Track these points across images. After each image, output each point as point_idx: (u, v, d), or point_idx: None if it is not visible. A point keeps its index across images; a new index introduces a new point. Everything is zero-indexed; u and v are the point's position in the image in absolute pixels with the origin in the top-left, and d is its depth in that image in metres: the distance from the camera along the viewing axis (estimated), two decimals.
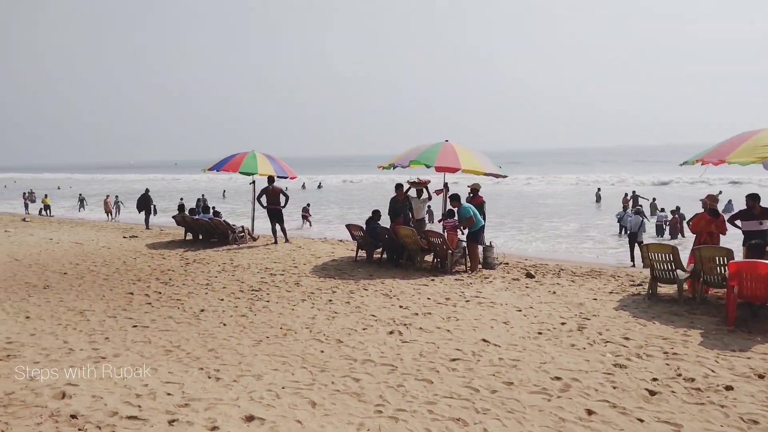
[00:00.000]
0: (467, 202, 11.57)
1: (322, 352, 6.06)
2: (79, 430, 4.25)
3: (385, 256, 11.77)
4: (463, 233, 11.07)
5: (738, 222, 8.77)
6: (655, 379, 5.08)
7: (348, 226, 12.84)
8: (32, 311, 7.92)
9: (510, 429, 4.25)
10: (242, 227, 15.19)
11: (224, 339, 6.54)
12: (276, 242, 14.55)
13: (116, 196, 33.35)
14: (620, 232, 19.74)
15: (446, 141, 11.48)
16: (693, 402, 4.62)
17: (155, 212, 26.31)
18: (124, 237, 16.78)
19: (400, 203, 12.02)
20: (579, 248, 17.73)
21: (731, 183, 40.97)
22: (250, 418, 4.45)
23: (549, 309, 7.69)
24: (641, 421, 4.31)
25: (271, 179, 14.57)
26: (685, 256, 8.36)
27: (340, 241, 16.30)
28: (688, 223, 11.26)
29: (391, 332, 6.72)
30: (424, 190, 12.48)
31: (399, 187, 12.24)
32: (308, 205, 27.01)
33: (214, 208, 18.37)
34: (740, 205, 9.72)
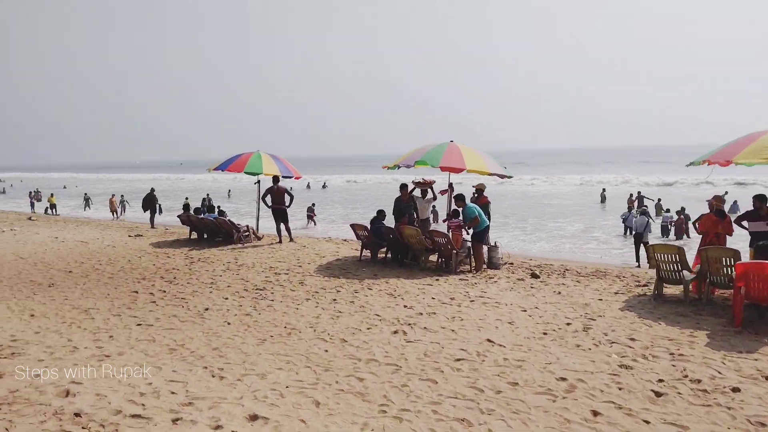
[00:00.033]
0: (472, 202, 11.54)
1: (326, 351, 6.04)
2: (83, 428, 4.24)
3: (389, 255, 11.76)
4: (468, 233, 11.04)
5: (745, 223, 8.72)
6: (661, 381, 5.05)
7: (352, 226, 12.83)
8: (37, 309, 7.93)
9: (515, 430, 4.23)
10: (247, 227, 15.20)
11: (228, 338, 6.54)
12: (280, 241, 14.56)
13: (122, 196, 33.47)
14: (625, 233, 19.66)
15: (451, 141, 11.46)
16: (699, 404, 4.58)
17: (160, 211, 26.38)
18: (129, 236, 16.82)
19: (405, 203, 12.00)
20: (583, 249, 17.67)
21: (736, 184, 40.79)
22: (254, 417, 4.43)
23: (554, 309, 7.66)
24: (647, 422, 4.28)
25: (275, 179, 14.58)
26: (690, 257, 8.31)
27: (345, 240, 16.30)
28: (694, 224, 11.20)
29: (396, 332, 6.70)
30: (429, 190, 12.45)
31: (404, 187, 12.22)
32: (313, 204, 27.02)
33: (219, 207, 18.41)
34: (746, 205, 9.67)
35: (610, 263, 13.81)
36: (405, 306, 7.94)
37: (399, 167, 11.62)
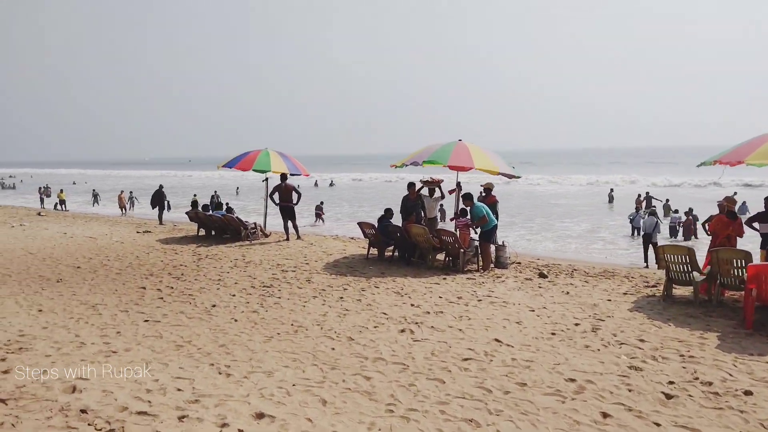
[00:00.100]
0: (480, 201, 11.48)
1: (333, 349, 6.02)
2: (89, 425, 4.23)
3: (396, 254, 11.73)
4: (475, 232, 11.00)
5: (756, 224, 8.64)
6: (671, 383, 4.99)
7: (360, 224, 12.80)
8: (45, 304, 7.95)
9: (523, 431, 4.18)
10: (254, 224, 15.22)
11: (235, 335, 6.53)
12: (288, 239, 14.56)
13: (130, 192, 33.61)
14: (632, 234, 19.54)
15: (459, 140, 11.40)
16: (711, 406, 4.52)
17: (169, 208, 26.48)
18: (138, 232, 16.87)
19: (412, 202, 11.97)
20: (589, 249, 17.56)
21: (745, 185, 40.49)
22: (260, 416, 4.41)
23: (562, 309, 7.60)
24: (658, 425, 4.23)
25: (283, 176, 14.58)
26: (699, 258, 8.24)
27: (352, 238, 16.28)
28: (704, 225, 11.10)
29: (403, 330, 6.67)
30: (437, 189, 12.41)
31: (411, 185, 12.19)
32: (321, 203, 27.01)
33: (227, 204, 18.44)
34: (755, 207, 9.59)
35: (619, 263, 13.73)
36: (412, 305, 7.91)
37: (407, 165, 11.58)
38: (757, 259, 7.76)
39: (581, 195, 39.91)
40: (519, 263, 11.40)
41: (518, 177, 12.01)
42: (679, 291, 8.45)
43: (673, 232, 19.84)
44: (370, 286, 9.11)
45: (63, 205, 33.11)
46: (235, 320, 7.16)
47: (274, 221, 16.33)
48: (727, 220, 8.46)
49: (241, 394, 4.82)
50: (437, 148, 11.31)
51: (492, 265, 10.78)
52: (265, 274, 10.12)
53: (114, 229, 17.66)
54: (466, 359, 5.67)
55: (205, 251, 12.90)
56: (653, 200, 25.20)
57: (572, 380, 5.08)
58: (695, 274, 7.91)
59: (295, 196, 14.38)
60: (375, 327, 6.84)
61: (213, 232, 15.77)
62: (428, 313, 7.47)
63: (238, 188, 47.43)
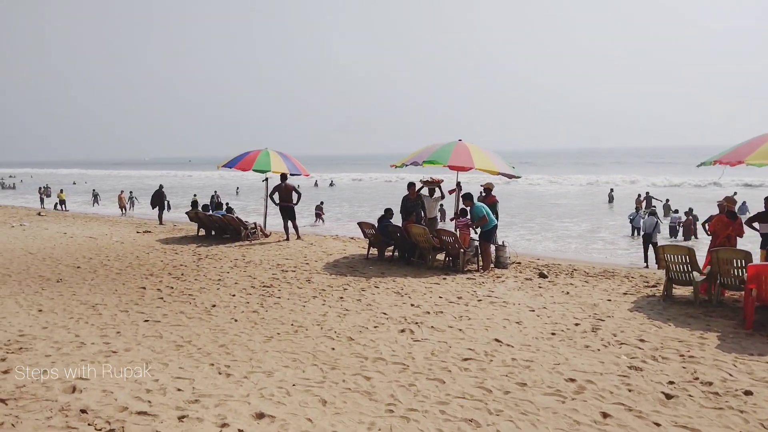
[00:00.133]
0: (480, 201, 11.48)
1: (333, 349, 6.02)
2: (89, 425, 4.23)
3: (396, 254, 11.73)
4: (475, 232, 11.00)
5: (756, 224, 8.64)
6: (671, 383, 4.99)
7: (360, 224, 12.80)
8: (45, 304, 7.95)
9: (523, 431, 4.18)
10: (255, 224, 15.22)
11: (235, 335, 6.53)
12: (288, 239, 14.56)
13: (130, 192, 33.61)
14: (632, 234, 19.54)
15: (459, 140, 11.40)
16: (711, 406, 4.52)
17: (169, 208, 26.47)
18: (138, 232, 16.87)
19: (412, 202, 11.96)
20: (588, 249, 17.56)
21: (744, 185, 40.49)
22: (260, 416, 4.41)
23: (562, 309, 7.60)
24: (658, 425, 4.22)
25: (284, 176, 14.59)
26: (699, 258, 8.23)
27: (352, 238, 16.28)
28: (703, 224, 11.10)
29: (403, 330, 6.67)
30: (437, 189, 12.41)
31: (411, 185, 12.19)
32: (322, 203, 27.00)
33: (227, 204, 18.44)
34: (755, 207, 9.59)
35: (619, 263, 13.73)
36: (412, 305, 7.91)
37: (407, 165, 11.58)
38: (757, 259, 7.76)
39: (581, 195, 39.92)
40: (519, 263, 11.40)
41: (518, 177, 12.01)
42: (679, 291, 8.46)
43: (673, 232, 19.84)
44: (370, 286, 9.11)
45: (63, 205, 33.12)
46: (235, 320, 7.16)
47: (274, 221, 16.34)
48: (727, 220, 8.46)
49: (241, 394, 4.81)
50: (437, 148, 11.30)
51: (492, 265, 10.77)
52: (265, 274, 10.12)
53: (114, 229, 17.66)
54: (466, 359, 5.67)
55: (205, 251, 12.90)
56: (653, 200, 25.20)
57: (572, 380, 5.08)
58: (695, 274, 7.91)
59: (295, 196, 14.38)
60: (375, 327, 6.84)
61: (213, 232, 15.77)
62: (428, 313, 7.47)
63: (238, 188, 47.43)
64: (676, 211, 20.80)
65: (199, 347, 6.08)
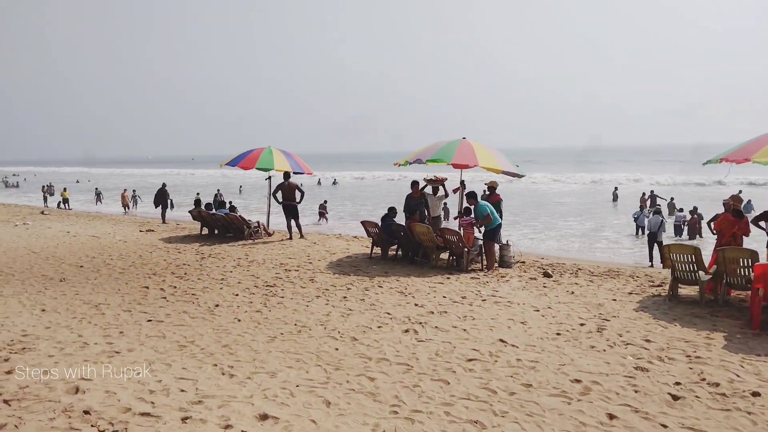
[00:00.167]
0: (484, 199, 11.44)
1: (337, 349, 5.99)
2: (92, 426, 4.21)
3: (400, 253, 11.69)
4: (479, 231, 10.95)
5: (762, 223, 8.58)
6: (678, 384, 4.95)
7: (363, 223, 12.77)
8: (48, 304, 7.94)
9: None
10: (257, 222, 15.20)
11: (238, 335, 6.50)
12: (291, 238, 14.54)
13: (133, 190, 33.64)
14: (637, 232, 19.46)
15: (464, 138, 11.36)
16: (718, 408, 4.48)
17: (172, 206, 26.48)
18: (141, 231, 16.88)
19: (416, 200, 11.91)
20: (593, 248, 17.48)
21: (749, 183, 40.34)
22: (263, 417, 4.38)
23: (567, 309, 7.56)
24: (665, 426, 4.18)
25: (287, 175, 14.55)
26: (705, 257, 8.18)
27: (355, 237, 16.24)
28: (709, 223, 11.04)
29: (407, 331, 6.63)
30: (441, 187, 12.36)
31: (415, 184, 12.14)
32: (325, 201, 26.96)
33: (230, 203, 18.43)
34: (760, 205, 9.52)
35: (623, 263, 13.66)
36: (416, 304, 7.87)
37: (410, 164, 11.54)
38: (763, 258, 7.69)
39: (585, 193, 39.81)
40: (523, 262, 11.35)
41: (522, 176, 11.95)
42: (685, 290, 8.40)
43: (677, 230, 19.76)
44: (373, 286, 9.07)
45: (66, 204, 33.15)
46: (239, 320, 7.13)
47: (277, 220, 16.32)
48: (733, 219, 8.40)
49: (245, 395, 4.79)
50: (441, 146, 11.27)
51: (496, 265, 10.73)
52: (268, 274, 10.10)
53: (117, 228, 17.67)
54: (470, 360, 5.63)
55: (208, 250, 12.88)
56: (658, 199, 25.10)
57: (578, 381, 5.04)
58: (701, 273, 7.85)
59: (298, 194, 14.35)
60: (379, 327, 6.80)
61: (216, 231, 15.76)
62: (432, 313, 7.43)
63: (241, 187, 47.42)
64: (681, 210, 20.70)
65: (202, 347, 6.06)
